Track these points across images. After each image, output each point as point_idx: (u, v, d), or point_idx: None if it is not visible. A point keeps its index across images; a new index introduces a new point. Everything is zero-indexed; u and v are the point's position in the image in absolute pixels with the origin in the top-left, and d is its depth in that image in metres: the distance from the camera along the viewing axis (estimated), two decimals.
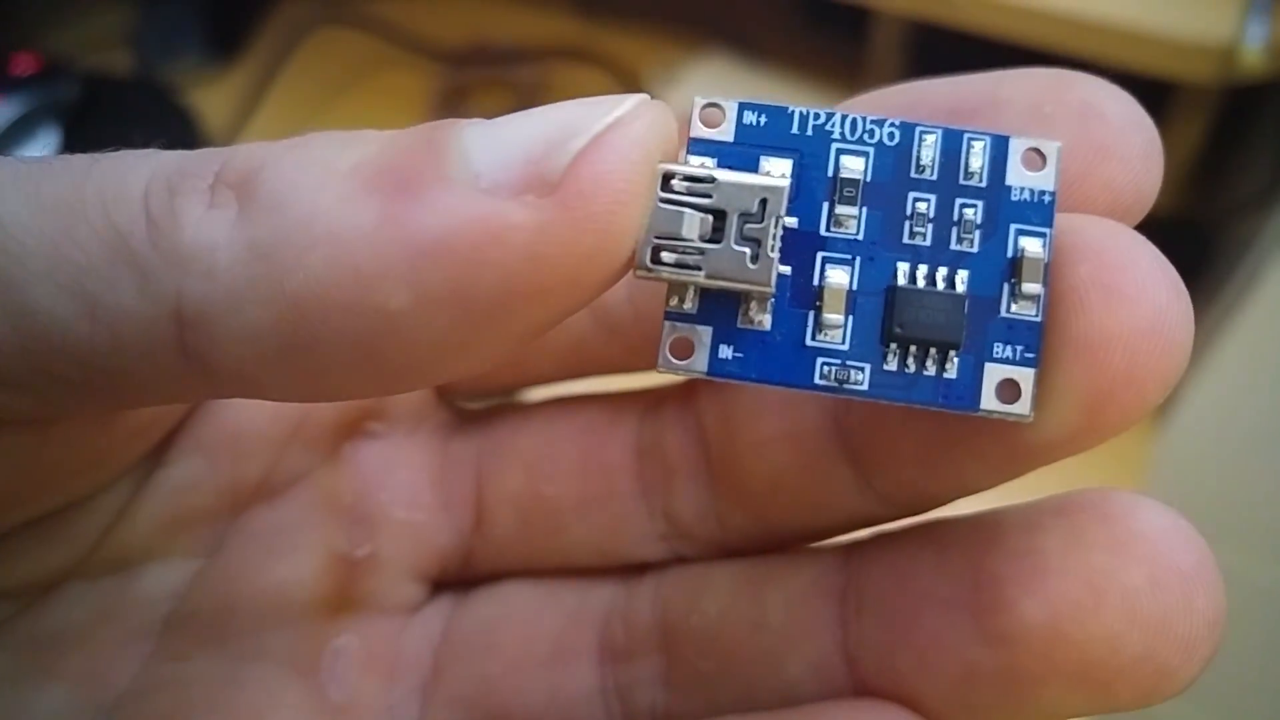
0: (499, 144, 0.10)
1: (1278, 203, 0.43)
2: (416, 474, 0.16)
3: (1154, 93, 0.53)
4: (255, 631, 0.15)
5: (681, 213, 0.11)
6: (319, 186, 0.10)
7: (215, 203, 0.10)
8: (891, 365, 0.11)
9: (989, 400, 0.11)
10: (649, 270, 0.11)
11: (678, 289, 0.11)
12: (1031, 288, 0.11)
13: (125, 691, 0.14)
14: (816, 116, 0.12)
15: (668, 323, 0.11)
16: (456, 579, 0.16)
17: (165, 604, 0.14)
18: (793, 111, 0.12)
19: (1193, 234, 0.54)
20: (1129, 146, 0.12)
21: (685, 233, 0.11)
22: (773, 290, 0.11)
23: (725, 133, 0.11)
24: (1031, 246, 0.11)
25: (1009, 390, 0.11)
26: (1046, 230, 0.11)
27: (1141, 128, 0.12)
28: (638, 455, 0.15)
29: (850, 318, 0.11)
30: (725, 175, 0.11)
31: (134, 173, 0.10)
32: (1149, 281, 0.11)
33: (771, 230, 0.11)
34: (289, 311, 0.10)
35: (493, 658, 0.15)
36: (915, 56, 0.47)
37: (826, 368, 0.11)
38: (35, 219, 0.10)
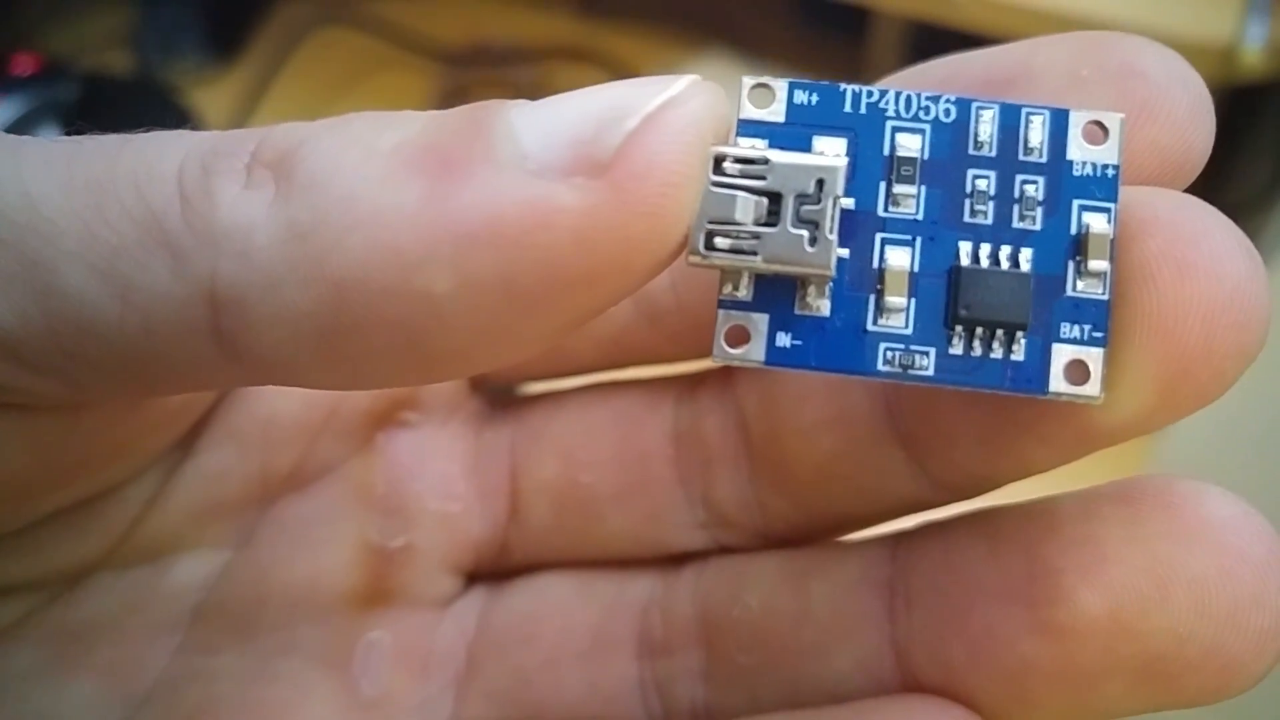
0: (547, 124, 0.09)
1: (1278, 203, 0.43)
2: (450, 464, 0.15)
3: None
4: (286, 624, 0.14)
5: (735, 196, 0.10)
6: (360, 166, 0.09)
7: (252, 182, 0.10)
8: (957, 349, 0.11)
9: (1057, 382, 0.11)
10: (703, 257, 0.10)
11: (732, 275, 0.11)
12: (1098, 265, 0.11)
13: (154, 684, 0.14)
14: (870, 94, 0.11)
15: (722, 311, 0.11)
16: (491, 571, 0.16)
17: (195, 595, 0.14)
18: (845, 90, 0.11)
19: None
20: (1173, 104, 0.11)
21: (739, 217, 0.10)
22: (833, 273, 0.11)
23: (775, 113, 0.11)
24: (1096, 222, 0.11)
25: (1078, 371, 0.11)
26: (1111, 205, 0.11)
27: (1186, 84, 0.11)
28: (675, 441, 0.15)
29: (913, 300, 0.11)
30: (779, 156, 0.10)
31: (167, 152, 0.10)
32: (1224, 254, 0.10)
33: (829, 211, 0.10)
34: (328, 294, 0.09)
35: (528, 651, 0.15)
36: (915, 57, 0.47)
37: (890, 353, 0.11)
38: (67, 198, 0.10)
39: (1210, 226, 0.10)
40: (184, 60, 0.50)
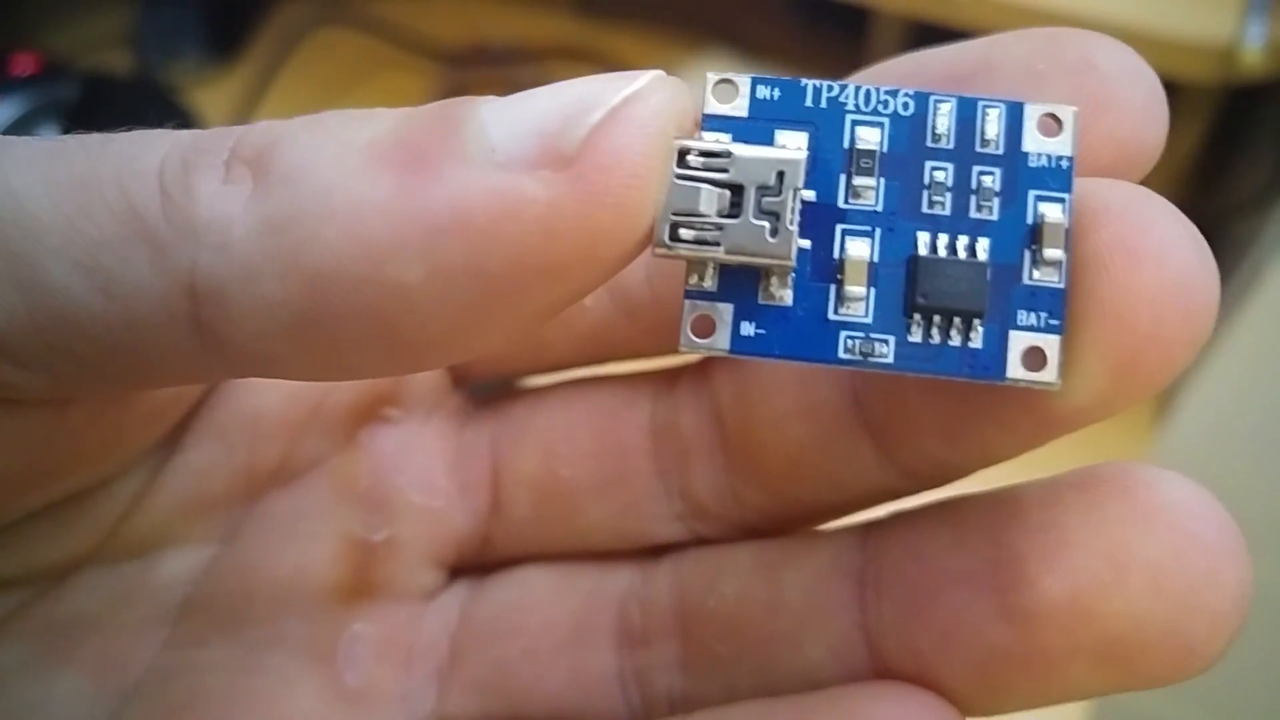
0: (514, 119, 0.10)
1: (1278, 203, 0.43)
2: (433, 459, 0.16)
3: None
4: (271, 617, 0.15)
5: (699, 188, 0.11)
6: (334, 161, 0.10)
7: (230, 178, 0.10)
8: (916, 336, 0.11)
9: (1015, 369, 0.11)
10: (668, 248, 0.11)
11: (697, 267, 0.11)
12: (1053, 254, 0.11)
13: (141, 678, 0.14)
14: (830, 89, 0.11)
15: (688, 301, 0.11)
16: (474, 564, 0.16)
17: (181, 590, 0.14)
18: (806, 85, 0.11)
19: None
20: (1128, 97, 0.12)
21: (703, 208, 0.11)
22: (793, 263, 0.11)
23: (739, 108, 0.11)
24: (1051, 212, 0.11)
25: (1035, 358, 0.11)
26: (1066, 195, 0.11)
27: (1140, 77, 0.12)
28: (653, 435, 0.15)
29: (872, 290, 0.11)
30: (741, 149, 0.11)
31: (149, 149, 0.10)
32: (1172, 242, 0.10)
33: (790, 203, 0.11)
34: (304, 285, 0.10)
35: (510, 642, 0.15)
36: None
37: (850, 341, 0.11)
38: (50, 195, 0.10)
39: (1160, 216, 0.11)
40: (184, 60, 0.50)
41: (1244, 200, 0.47)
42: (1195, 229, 0.11)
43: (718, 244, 0.11)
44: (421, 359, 0.11)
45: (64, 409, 0.12)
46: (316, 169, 0.10)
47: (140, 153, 0.10)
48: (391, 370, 0.11)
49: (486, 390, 0.17)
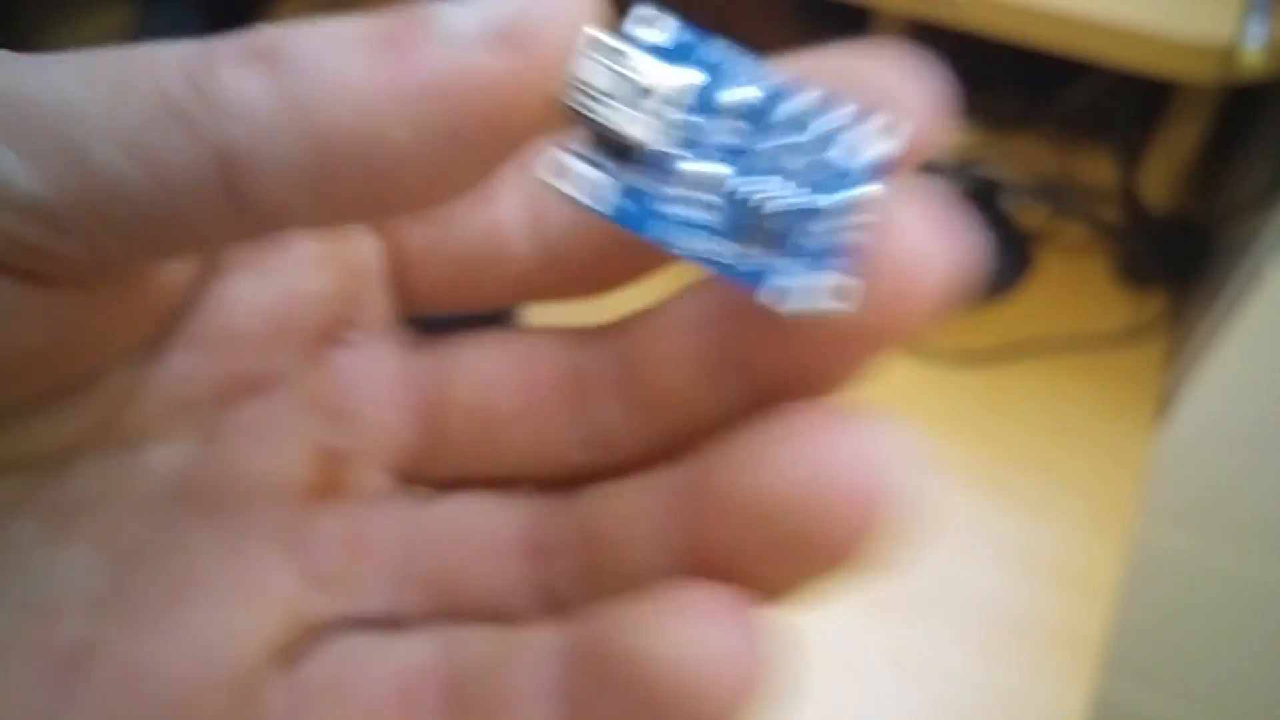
0: (469, 11, 0.13)
1: (1278, 203, 0.43)
2: (386, 380, 0.18)
3: (1154, 93, 0.53)
4: (248, 509, 0.17)
5: (598, 66, 0.13)
6: (334, 49, 0.12)
7: (248, 66, 0.12)
8: (741, 253, 0.13)
9: (808, 300, 0.13)
10: (563, 105, 0.13)
11: (580, 130, 0.13)
12: (862, 217, 0.13)
13: (140, 552, 0.16)
14: (731, 49, 0.14)
15: (560, 151, 0.13)
16: (420, 477, 0.18)
17: (170, 479, 0.16)
18: (718, 41, 0.14)
19: (1193, 234, 0.54)
20: (915, 103, 0.14)
21: (597, 82, 0.13)
22: (654, 149, 0.13)
23: (653, 36, 0.14)
24: (867, 189, 0.13)
25: (834, 293, 0.13)
26: (875, 183, 0.14)
27: (924, 85, 0.14)
28: (572, 375, 0.17)
29: (713, 209, 0.14)
30: (639, 55, 0.13)
31: (172, 51, 0.12)
32: (929, 236, 0.13)
33: (670, 109, 0.13)
34: (318, 150, 0.12)
35: (448, 549, 0.17)
36: None
37: (687, 237, 0.13)
38: (91, 90, 0.12)
39: (921, 216, 0.13)
40: None
41: (1244, 200, 0.47)
42: (947, 214, 0.13)
43: (605, 119, 0.13)
44: (410, 203, 0.13)
45: (81, 294, 0.13)
46: (320, 55, 0.12)
47: (164, 54, 0.12)
48: (388, 214, 0.13)
49: (432, 326, 0.19)
